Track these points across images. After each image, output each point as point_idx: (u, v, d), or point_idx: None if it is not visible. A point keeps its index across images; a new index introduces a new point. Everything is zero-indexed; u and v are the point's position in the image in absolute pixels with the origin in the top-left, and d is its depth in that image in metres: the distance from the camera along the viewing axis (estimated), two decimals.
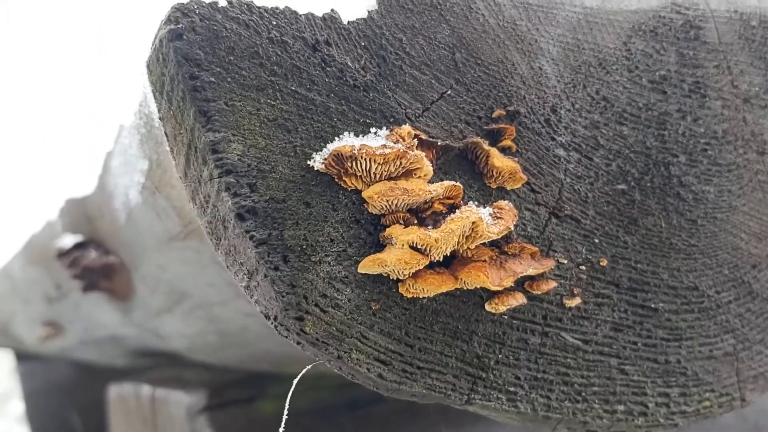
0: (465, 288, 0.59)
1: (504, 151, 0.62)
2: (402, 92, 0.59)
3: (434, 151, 0.59)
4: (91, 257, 1.20)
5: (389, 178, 0.55)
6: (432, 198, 0.56)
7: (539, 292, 0.63)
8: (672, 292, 0.70)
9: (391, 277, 0.57)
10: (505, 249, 0.60)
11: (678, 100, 0.71)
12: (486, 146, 0.60)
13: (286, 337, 0.55)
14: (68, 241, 1.23)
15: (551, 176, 0.65)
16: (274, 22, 0.55)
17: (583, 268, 0.66)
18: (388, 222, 0.57)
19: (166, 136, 0.57)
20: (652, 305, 0.69)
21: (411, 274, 0.56)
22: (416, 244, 0.54)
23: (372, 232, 0.57)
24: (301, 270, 0.53)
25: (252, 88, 0.54)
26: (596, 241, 0.67)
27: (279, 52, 0.55)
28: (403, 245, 0.54)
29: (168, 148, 0.58)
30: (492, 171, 0.60)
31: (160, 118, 0.57)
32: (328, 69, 0.57)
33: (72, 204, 1.24)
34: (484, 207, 0.58)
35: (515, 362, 0.63)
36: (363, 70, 0.58)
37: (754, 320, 0.74)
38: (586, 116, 0.67)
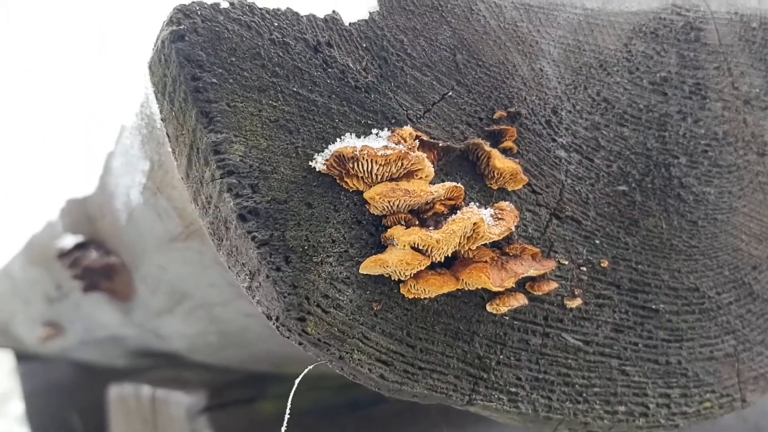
0: (466, 289, 0.59)
1: (505, 152, 0.62)
2: (403, 93, 0.59)
3: (435, 152, 0.59)
4: (92, 257, 1.20)
5: (391, 179, 0.55)
6: (433, 199, 0.56)
7: (540, 293, 0.63)
8: (673, 293, 0.70)
9: (392, 278, 0.57)
10: (507, 250, 0.60)
11: (679, 101, 0.72)
12: (487, 147, 0.60)
13: (288, 337, 0.55)
14: (69, 241, 1.23)
15: (552, 177, 0.65)
16: (276, 24, 0.55)
17: (584, 269, 0.66)
18: (389, 223, 0.57)
19: (168, 137, 0.58)
20: (653, 306, 0.69)
21: (412, 275, 0.56)
22: (418, 244, 0.54)
23: (373, 233, 0.57)
24: (302, 271, 0.53)
25: (254, 89, 0.54)
26: (597, 242, 0.67)
27: (281, 54, 0.55)
28: (404, 246, 0.54)
29: (170, 149, 0.58)
30: (493, 172, 0.61)
31: (162, 119, 0.57)
32: (329, 70, 0.57)
33: (73, 204, 1.24)
34: (486, 208, 0.58)
35: (516, 363, 0.63)
36: (364, 71, 0.58)
37: (755, 321, 0.74)
38: (587, 117, 0.67)
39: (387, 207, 0.56)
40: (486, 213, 0.57)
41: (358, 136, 0.56)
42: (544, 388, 0.63)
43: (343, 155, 0.54)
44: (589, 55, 0.68)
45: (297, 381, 0.59)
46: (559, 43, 0.67)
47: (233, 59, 0.53)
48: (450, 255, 0.57)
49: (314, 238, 0.54)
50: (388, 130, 0.57)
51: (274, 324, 0.55)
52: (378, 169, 0.54)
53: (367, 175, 0.55)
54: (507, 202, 0.60)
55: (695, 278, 0.71)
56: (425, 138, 0.58)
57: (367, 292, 0.56)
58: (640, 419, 0.67)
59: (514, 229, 0.59)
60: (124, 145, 0.92)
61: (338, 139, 0.56)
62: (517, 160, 0.62)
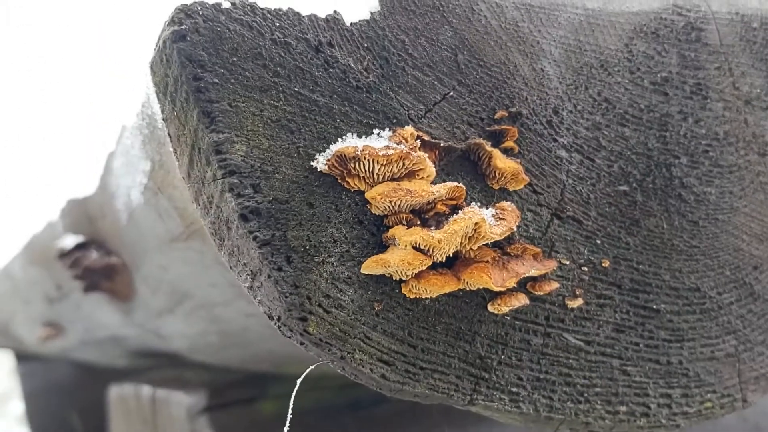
0: (468, 289, 0.59)
1: (506, 152, 0.62)
2: (405, 93, 0.59)
3: (437, 153, 0.59)
4: (93, 258, 1.20)
5: (392, 179, 0.55)
6: (435, 199, 0.56)
7: (541, 293, 0.63)
8: (674, 293, 0.70)
9: (394, 278, 0.57)
10: (508, 250, 0.60)
11: (679, 101, 0.72)
12: (488, 147, 0.60)
13: (290, 337, 0.55)
14: (70, 241, 1.23)
15: (553, 177, 0.65)
16: (278, 24, 0.55)
17: (585, 269, 0.66)
18: (391, 223, 0.57)
19: (170, 136, 0.58)
20: (654, 306, 0.69)
21: (414, 275, 0.56)
22: (419, 244, 0.54)
23: (375, 233, 0.57)
24: (304, 270, 0.53)
25: (255, 89, 0.54)
26: (598, 242, 0.67)
27: (282, 54, 0.55)
28: (406, 246, 0.54)
29: (171, 149, 0.59)
30: (494, 172, 0.61)
31: (163, 119, 0.57)
32: (331, 70, 0.57)
33: (73, 204, 1.24)
34: (487, 208, 0.58)
35: (518, 363, 0.63)
36: (366, 71, 0.58)
37: (756, 321, 0.74)
38: (588, 118, 0.67)
39: (388, 207, 0.56)
40: (487, 213, 0.57)
41: (360, 136, 0.56)
42: (545, 388, 0.63)
43: (345, 155, 0.54)
44: (590, 55, 0.68)
45: (299, 381, 0.59)
46: (560, 43, 0.67)
47: (235, 59, 0.53)
48: (451, 255, 0.57)
49: (316, 238, 0.54)
50: (390, 130, 0.57)
51: (275, 324, 0.55)
52: (379, 169, 0.54)
53: (368, 175, 0.55)
54: (508, 202, 0.60)
55: (696, 278, 0.71)
56: (427, 138, 0.58)
57: (369, 292, 0.56)
58: (642, 419, 0.67)
59: (515, 229, 0.59)
60: (124, 145, 0.92)
61: (340, 139, 0.56)
62: (518, 160, 0.62)
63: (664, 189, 0.70)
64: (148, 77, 0.58)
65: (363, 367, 0.56)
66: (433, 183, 0.56)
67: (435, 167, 0.57)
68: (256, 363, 1.47)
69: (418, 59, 0.60)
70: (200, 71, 0.52)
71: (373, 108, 0.58)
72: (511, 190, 0.63)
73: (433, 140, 0.59)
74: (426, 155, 0.56)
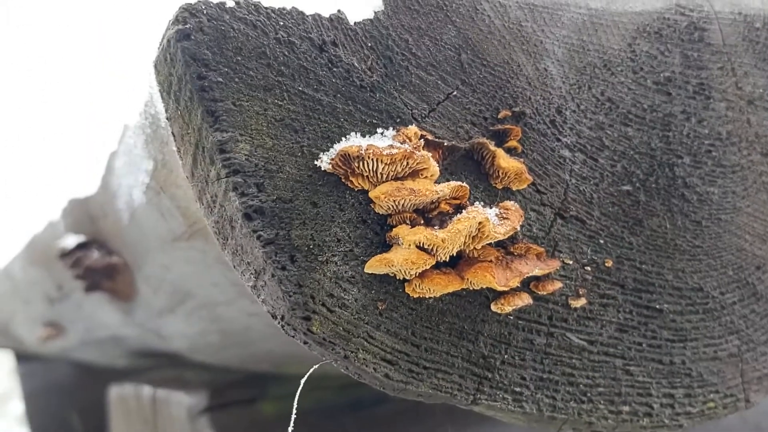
0: (471, 288, 0.59)
1: (510, 151, 0.62)
2: (408, 93, 0.59)
3: (440, 152, 0.59)
4: (94, 257, 1.20)
5: (396, 179, 0.55)
6: (438, 198, 0.56)
7: (545, 293, 0.63)
8: (677, 293, 0.70)
9: (397, 277, 0.57)
10: (511, 249, 0.60)
11: (682, 101, 0.72)
12: (492, 147, 0.60)
13: (293, 336, 0.55)
14: (71, 241, 1.23)
15: (557, 177, 0.65)
16: (282, 23, 0.55)
17: (589, 268, 0.66)
18: (394, 222, 0.57)
19: (173, 136, 0.58)
20: (657, 306, 0.69)
21: (417, 274, 0.56)
22: (423, 244, 0.54)
23: (379, 232, 0.57)
24: (308, 270, 0.53)
25: (259, 88, 0.54)
26: (601, 241, 0.67)
27: (286, 53, 0.55)
28: (409, 245, 0.54)
29: (175, 148, 0.58)
30: (498, 172, 0.61)
31: (167, 118, 0.57)
32: (334, 69, 0.57)
33: (75, 204, 1.24)
34: (490, 207, 0.58)
35: (521, 362, 0.63)
36: (369, 70, 0.58)
37: (759, 321, 0.74)
38: (591, 117, 0.67)
39: (392, 206, 0.56)
40: (491, 212, 0.57)
41: (364, 136, 0.56)
42: (548, 387, 0.63)
43: (349, 154, 0.54)
44: (594, 55, 0.68)
45: (302, 381, 0.59)
46: (564, 43, 0.67)
47: (239, 58, 0.53)
48: (455, 254, 0.57)
49: (319, 237, 0.54)
50: (393, 129, 0.57)
51: (279, 323, 0.55)
52: (383, 168, 0.54)
53: (372, 174, 0.55)
54: (512, 202, 0.60)
55: (699, 278, 0.71)
56: (430, 137, 0.58)
57: (372, 291, 0.56)
58: (644, 419, 0.67)
59: (519, 228, 0.59)
60: (127, 145, 0.92)
61: (343, 138, 0.56)
62: (521, 160, 0.62)
63: (667, 189, 0.70)
64: (152, 76, 0.58)
65: (366, 366, 0.56)
66: (437, 182, 0.56)
67: (438, 166, 0.57)
68: (256, 363, 1.47)
69: (421, 58, 0.60)
70: (204, 70, 0.52)
71: (376, 107, 0.58)
72: (514, 189, 0.63)
73: (436, 139, 0.59)
74: (430, 154, 0.56)
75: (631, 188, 0.68)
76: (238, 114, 0.53)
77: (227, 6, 0.54)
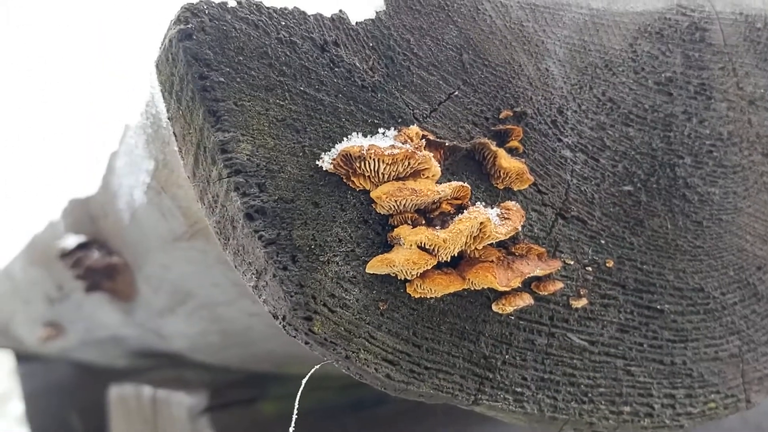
0: (472, 288, 0.59)
1: (511, 152, 0.62)
2: (410, 93, 0.59)
3: (442, 152, 0.59)
4: (94, 258, 1.20)
5: (397, 179, 0.55)
6: (440, 198, 0.56)
7: (546, 293, 0.63)
8: (678, 293, 0.70)
9: (398, 278, 0.57)
10: (513, 250, 0.60)
11: (684, 101, 0.72)
12: (493, 147, 0.60)
13: (295, 337, 0.55)
14: (71, 241, 1.23)
15: (558, 177, 0.65)
16: (283, 23, 0.55)
17: (590, 269, 0.66)
18: (396, 222, 0.57)
19: (175, 136, 0.58)
20: (658, 306, 0.69)
21: (419, 275, 0.56)
22: (424, 244, 0.54)
23: (380, 233, 0.57)
24: (309, 270, 0.53)
25: (261, 88, 0.54)
26: (602, 242, 0.67)
27: (288, 53, 0.55)
28: (411, 245, 0.54)
29: (176, 148, 0.58)
30: (499, 172, 0.61)
31: (168, 118, 0.57)
32: (336, 69, 0.57)
33: (75, 204, 1.24)
34: (492, 208, 0.58)
35: (522, 363, 0.63)
36: (371, 70, 0.58)
37: (760, 322, 0.74)
38: (593, 117, 0.67)
39: (394, 206, 0.56)
40: (492, 212, 0.57)
41: (365, 136, 0.56)
42: (549, 388, 0.63)
43: (350, 154, 0.53)
44: (595, 55, 0.68)
45: (304, 381, 0.59)
46: (565, 43, 0.67)
47: (241, 58, 0.53)
48: (456, 254, 0.57)
49: (321, 237, 0.54)
50: (395, 129, 0.57)
51: (280, 323, 0.55)
52: (385, 169, 0.54)
53: (373, 175, 0.55)
54: (513, 202, 0.60)
55: (700, 278, 0.71)
56: (432, 137, 0.58)
57: (374, 292, 0.56)
58: (645, 419, 0.67)
59: (520, 228, 0.59)
60: (128, 145, 0.92)
61: (345, 139, 0.56)
62: (523, 160, 0.62)
63: (668, 189, 0.70)
64: (153, 76, 0.58)
65: (368, 366, 0.56)
66: (438, 182, 0.56)
67: (440, 167, 0.57)
68: (256, 363, 1.47)
69: (423, 58, 0.60)
70: (206, 70, 0.52)
71: (378, 107, 0.58)
72: (515, 189, 0.63)
73: (438, 140, 0.59)
74: (431, 155, 0.56)
75: (633, 188, 0.68)
76: (239, 114, 0.53)
77: (229, 6, 0.54)
